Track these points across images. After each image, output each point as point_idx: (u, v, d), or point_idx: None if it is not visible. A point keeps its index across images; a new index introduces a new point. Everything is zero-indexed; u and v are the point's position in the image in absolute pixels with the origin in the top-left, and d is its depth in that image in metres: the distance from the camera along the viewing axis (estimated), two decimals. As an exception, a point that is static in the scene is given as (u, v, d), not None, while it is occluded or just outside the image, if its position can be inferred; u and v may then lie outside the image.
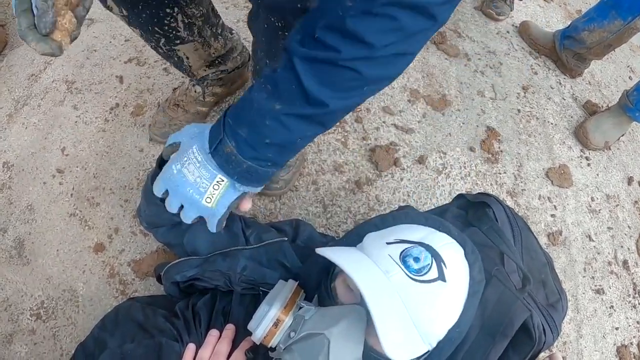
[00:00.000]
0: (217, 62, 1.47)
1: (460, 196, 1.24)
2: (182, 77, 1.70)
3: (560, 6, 2.44)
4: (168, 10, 1.15)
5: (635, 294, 1.69)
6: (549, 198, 1.75)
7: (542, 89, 2.02)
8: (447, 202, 1.29)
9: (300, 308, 0.87)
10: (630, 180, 1.90)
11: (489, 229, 1.08)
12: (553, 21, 2.34)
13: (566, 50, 2.01)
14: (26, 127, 1.69)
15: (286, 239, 1.15)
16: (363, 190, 1.61)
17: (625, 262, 1.72)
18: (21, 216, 1.54)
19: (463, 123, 1.83)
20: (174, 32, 1.23)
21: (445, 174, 1.70)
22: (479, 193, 1.24)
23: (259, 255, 1.10)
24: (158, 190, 0.88)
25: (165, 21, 1.18)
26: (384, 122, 1.76)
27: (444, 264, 0.82)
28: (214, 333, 1.00)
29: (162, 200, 0.90)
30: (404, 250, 0.82)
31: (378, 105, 1.79)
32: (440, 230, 0.92)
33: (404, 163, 1.69)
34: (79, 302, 1.43)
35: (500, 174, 1.75)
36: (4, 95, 1.78)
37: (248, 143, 0.76)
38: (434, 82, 1.91)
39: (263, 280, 1.05)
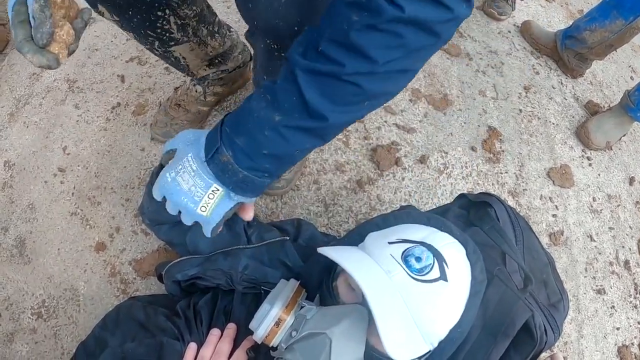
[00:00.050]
0: (217, 61, 1.46)
1: (461, 196, 1.24)
2: (184, 76, 1.70)
3: (561, 6, 2.44)
4: (159, 14, 1.14)
5: (636, 294, 1.69)
6: (550, 198, 1.75)
7: (543, 88, 2.02)
8: (449, 201, 1.29)
9: (302, 307, 0.87)
10: (631, 181, 1.90)
11: (491, 229, 1.08)
12: (554, 21, 2.34)
13: (567, 50, 2.00)
14: (27, 126, 1.69)
15: (288, 238, 1.15)
16: (364, 189, 1.61)
17: (626, 263, 1.72)
18: (22, 215, 1.54)
19: (464, 123, 1.83)
20: (167, 34, 1.21)
21: (446, 173, 1.70)
22: (480, 193, 1.24)
23: (261, 254, 1.10)
24: (157, 196, 0.87)
25: (158, 24, 1.16)
26: (385, 121, 1.76)
27: (446, 263, 0.82)
28: (215, 332, 1.00)
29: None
30: (405, 250, 0.82)
31: (379, 104, 1.79)
32: (442, 230, 0.92)
33: (406, 163, 1.69)
34: (80, 301, 1.43)
35: (501, 173, 1.75)
36: (6, 94, 1.78)
37: (245, 153, 0.75)
38: (435, 81, 1.91)
39: (265, 279, 1.05)
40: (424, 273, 0.80)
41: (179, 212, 0.87)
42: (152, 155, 1.62)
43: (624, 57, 2.32)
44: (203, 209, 0.80)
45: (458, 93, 1.90)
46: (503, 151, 1.79)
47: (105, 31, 1.92)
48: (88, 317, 1.40)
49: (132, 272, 1.45)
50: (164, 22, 1.17)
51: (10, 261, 1.48)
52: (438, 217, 0.96)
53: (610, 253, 1.72)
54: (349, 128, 1.71)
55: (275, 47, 1.02)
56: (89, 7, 0.73)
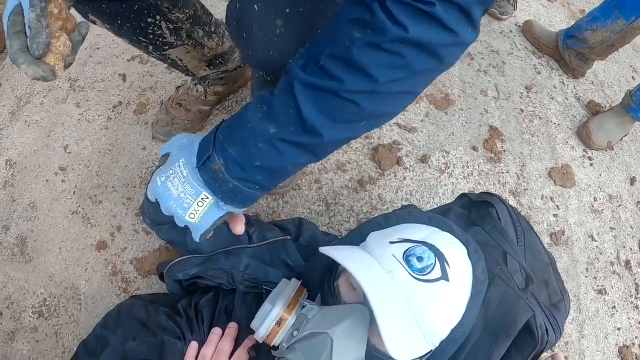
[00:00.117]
0: (218, 62, 1.46)
1: (463, 196, 1.24)
2: (185, 76, 1.70)
3: (563, 6, 2.44)
4: (150, 20, 1.13)
5: (637, 294, 1.69)
6: (551, 198, 1.75)
7: (545, 88, 2.02)
8: (450, 201, 1.29)
9: (304, 307, 0.88)
10: (633, 181, 1.89)
11: (492, 229, 1.08)
12: (556, 21, 2.34)
13: (569, 50, 2.00)
14: (29, 125, 1.70)
15: (289, 237, 1.15)
16: (366, 189, 1.61)
17: (627, 263, 1.72)
18: (24, 214, 1.54)
19: (466, 122, 1.83)
20: (160, 39, 1.20)
21: (448, 173, 1.70)
22: (482, 193, 1.23)
23: (262, 253, 1.10)
24: (151, 197, 0.86)
25: (149, 30, 1.16)
26: (386, 121, 1.75)
27: (448, 263, 0.82)
28: (216, 331, 1.00)
29: None
30: (407, 250, 0.82)
31: (381, 104, 1.79)
32: (443, 230, 0.92)
33: (407, 162, 1.68)
34: (82, 300, 1.43)
35: (503, 173, 1.75)
36: (7, 93, 1.78)
37: (237, 163, 0.73)
38: (437, 81, 1.90)
39: (266, 279, 1.05)
40: (426, 273, 0.80)
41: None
42: (154, 154, 1.62)
43: (625, 58, 2.32)
44: (192, 216, 0.77)
45: (460, 93, 1.90)
46: (504, 151, 1.79)
47: (106, 30, 1.92)
48: (89, 316, 1.40)
49: (134, 271, 1.45)
50: (156, 28, 1.16)
51: (11, 260, 1.48)
52: (439, 217, 0.96)
53: (611, 253, 1.72)
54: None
55: (270, 79, 1.01)
56: (86, 21, 0.71)
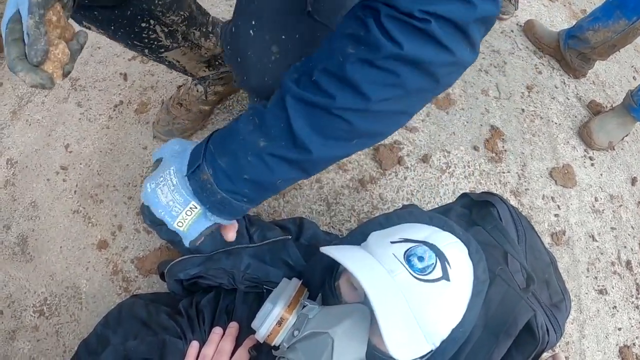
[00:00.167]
0: (217, 63, 1.46)
1: (464, 195, 1.24)
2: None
3: (564, 5, 2.43)
4: (143, 25, 1.12)
5: (638, 294, 1.69)
6: (552, 198, 1.75)
7: (546, 88, 2.02)
8: (451, 201, 1.29)
9: (304, 307, 0.88)
10: (634, 181, 1.89)
11: (493, 228, 1.08)
12: (557, 20, 2.34)
13: (570, 50, 2.00)
14: (30, 124, 1.70)
15: (290, 237, 1.15)
16: (367, 188, 1.61)
17: (628, 263, 1.72)
18: (25, 213, 1.55)
19: (467, 122, 1.82)
20: (155, 43, 1.20)
21: (449, 173, 1.70)
22: (483, 192, 1.23)
23: (263, 253, 1.10)
24: (144, 201, 0.85)
25: (144, 34, 1.15)
26: (387, 120, 1.75)
27: (448, 263, 0.82)
28: (217, 331, 1.00)
29: None
30: (408, 250, 0.82)
31: (382, 103, 1.79)
32: (444, 230, 0.92)
33: (408, 162, 1.68)
34: (82, 299, 1.43)
35: (504, 173, 1.75)
36: (8, 92, 1.78)
37: (226, 174, 0.72)
38: (437, 81, 1.90)
39: (267, 278, 1.05)
40: (427, 273, 0.80)
41: None
42: (155, 153, 1.62)
43: (626, 57, 2.32)
44: (180, 224, 0.76)
45: (460, 92, 1.90)
46: (505, 151, 1.79)
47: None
48: (90, 315, 1.40)
49: (134, 270, 1.45)
50: (150, 32, 1.15)
51: (12, 259, 1.48)
52: (440, 217, 0.96)
53: (612, 253, 1.72)
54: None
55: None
56: (84, 30, 0.71)
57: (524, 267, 1.01)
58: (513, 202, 1.69)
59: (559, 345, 1.52)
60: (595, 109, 2.00)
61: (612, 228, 1.77)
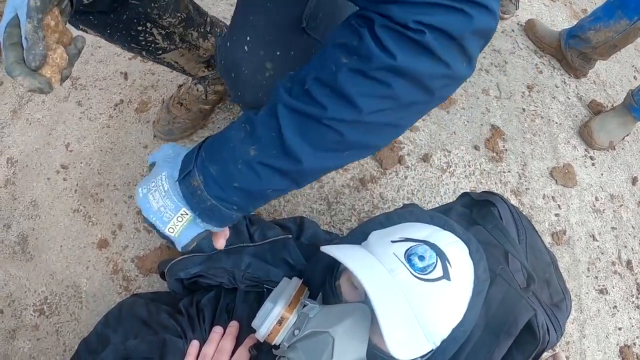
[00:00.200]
0: (215, 63, 1.46)
1: (464, 194, 1.24)
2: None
3: (565, 5, 2.43)
4: (140, 28, 1.12)
5: (638, 294, 1.68)
6: (553, 197, 1.75)
7: (546, 88, 2.02)
8: (452, 200, 1.29)
9: (305, 306, 0.88)
10: (634, 181, 1.89)
11: (494, 228, 1.08)
12: (558, 20, 2.33)
13: (571, 50, 2.00)
14: (30, 123, 1.70)
15: (290, 236, 1.15)
16: (367, 188, 1.61)
17: (629, 262, 1.72)
18: (25, 212, 1.55)
19: (467, 121, 1.82)
20: (152, 45, 1.19)
21: (449, 172, 1.70)
22: (483, 191, 1.23)
23: (263, 252, 1.10)
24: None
25: (140, 37, 1.14)
26: (388, 120, 1.75)
27: (449, 262, 0.82)
28: (217, 330, 1.00)
29: None
30: (408, 249, 0.82)
31: (382, 103, 1.79)
32: (445, 229, 0.91)
33: (409, 161, 1.68)
34: (83, 298, 1.43)
35: (504, 172, 1.74)
36: (9, 91, 1.78)
37: (216, 181, 0.71)
38: (438, 80, 1.90)
39: (267, 277, 1.05)
40: (427, 272, 0.80)
41: None
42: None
43: (627, 57, 2.32)
44: (171, 230, 0.76)
45: (461, 92, 1.90)
46: (506, 150, 1.79)
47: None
48: (90, 314, 1.40)
49: (135, 269, 1.45)
50: (147, 35, 1.15)
51: (12, 258, 1.48)
52: (441, 216, 0.96)
53: (612, 253, 1.72)
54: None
55: None
56: (82, 35, 0.70)
57: (524, 266, 1.00)
58: (513, 201, 1.69)
59: (560, 345, 1.52)
60: (595, 109, 2.00)
61: (612, 228, 1.77)
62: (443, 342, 0.82)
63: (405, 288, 0.78)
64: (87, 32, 1.09)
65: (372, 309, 0.73)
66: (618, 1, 1.76)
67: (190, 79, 1.56)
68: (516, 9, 2.20)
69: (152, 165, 0.83)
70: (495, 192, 1.22)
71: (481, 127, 1.83)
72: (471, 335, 0.89)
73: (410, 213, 0.98)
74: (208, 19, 1.33)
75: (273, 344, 0.87)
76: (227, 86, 0.99)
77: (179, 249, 0.79)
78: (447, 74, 0.61)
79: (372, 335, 0.81)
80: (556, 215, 1.72)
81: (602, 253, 1.71)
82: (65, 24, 0.67)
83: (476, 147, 1.77)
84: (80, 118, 1.69)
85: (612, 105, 2.02)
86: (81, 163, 1.61)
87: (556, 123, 1.93)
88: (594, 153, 1.89)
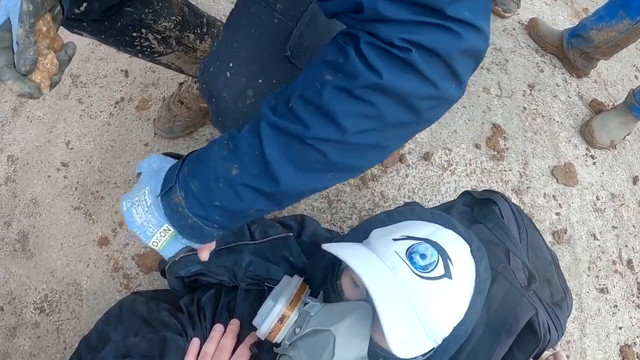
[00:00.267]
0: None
1: (466, 193, 1.24)
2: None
3: (566, 4, 2.43)
4: (135, 34, 1.11)
5: (639, 293, 1.68)
6: (554, 196, 1.75)
7: (548, 86, 2.01)
8: (453, 199, 1.28)
9: (306, 304, 0.87)
10: (635, 180, 1.89)
11: (495, 226, 1.07)
12: (559, 19, 2.33)
13: (574, 49, 2.00)
14: (31, 121, 1.69)
15: (291, 234, 1.14)
16: (368, 186, 1.61)
17: (629, 262, 1.72)
18: (25, 209, 1.54)
19: (468, 120, 1.82)
20: (148, 49, 1.18)
21: (450, 170, 1.70)
22: (484, 190, 1.23)
23: (264, 250, 1.10)
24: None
25: (136, 42, 1.14)
26: (389, 118, 1.75)
27: (450, 261, 0.82)
28: (218, 328, 1.00)
29: None
30: (410, 247, 0.82)
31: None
32: (446, 227, 0.91)
33: (409, 159, 1.68)
34: (83, 296, 1.43)
35: (505, 171, 1.74)
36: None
37: (198, 199, 0.69)
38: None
39: (268, 275, 1.05)
40: (429, 270, 0.80)
41: None
42: (156, 150, 1.62)
43: (628, 56, 2.31)
44: (155, 244, 0.75)
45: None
46: (507, 149, 1.79)
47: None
48: (91, 312, 1.40)
49: (135, 267, 1.45)
50: (142, 40, 1.14)
51: (13, 255, 1.48)
52: (442, 214, 0.96)
53: (613, 252, 1.72)
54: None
55: None
56: (73, 42, 0.70)
57: (525, 265, 1.00)
58: (514, 200, 1.69)
59: (560, 344, 1.52)
60: (597, 108, 2.00)
61: (613, 227, 1.77)
62: (444, 340, 0.82)
63: (407, 286, 0.78)
64: (82, 35, 1.08)
65: (374, 307, 0.73)
66: (620, 1, 1.76)
67: (190, 77, 1.56)
68: (518, 8, 2.20)
69: (140, 174, 0.82)
70: (497, 190, 1.22)
71: (482, 125, 1.83)
72: (472, 334, 0.89)
73: (411, 211, 0.98)
74: (205, 20, 1.31)
75: (274, 342, 0.86)
76: (209, 110, 0.98)
77: (166, 259, 0.79)
78: (434, 95, 0.60)
79: (373, 333, 0.81)
80: (557, 214, 1.71)
81: (603, 252, 1.71)
82: (57, 30, 0.67)
83: (477, 146, 1.77)
84: (80, 116, 1.69)
85: (613, 104, 2.02)
86: (82, 161, 1.61)
87: (557, 122, 1.93)
88: (595, 152, 1.89)
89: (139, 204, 0.75)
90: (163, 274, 1.18)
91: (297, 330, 0.83)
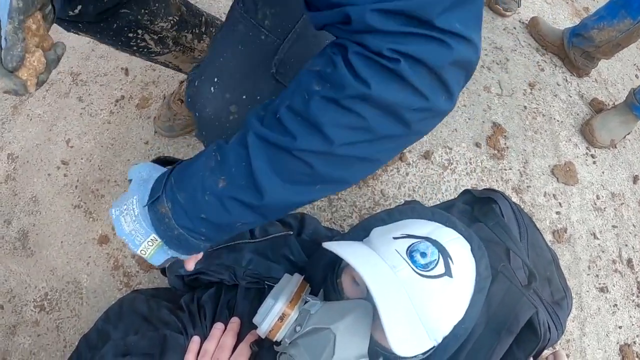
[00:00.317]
0: None
1: (466, 191, 1.24)
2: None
3: (567, 3, 2.43)
4: (131, 35, 1.10)
5: (639, 292, 1.68)
6: (554, 195, 1.75)
7: (548, 85, 2.01)
8: (453, 197, 1.28)
9: (306, 302, 0.87)
10: (635, 179, 1.89)
11: (495, 225, 1.07)
12: (560, 18, 2.33)
13: (574, 48, 1.99)
14: (31, 119, 1.69)
15: (291, 232, 1.14)
16: (368, 184, 1.61)
17: (629, 261, 1.72)
18: (25, 208, 1.54)
19: (469, 119, 1.82)
20: (145, 50, 1.18)
21: (450, 169, 1.70)
22: (485, 189, 1.23)
23: (264, 248, 1.09)
24: None
25: (132, 43, 1.13)
26: (389, 117, 1.75)
27: (451, 259, 0.82)
28: (219, 326, 1.00)
29: None
30: (410, 245, 0.82)
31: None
32: (447, 226, 0.91)
33: (410, 158, 1.68)
34: (83, 294, 1.43)
35: (505, 170, 1.74)
36: (9, 86, 1.77)
37: (184, 210, 0.69)
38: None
39: (268, 274, 1.05)
40: (429, 269, 0.80)
41: None
42: (156, 148, 1.62)
43: (629, 56, 2.31)
44: (143, 252, 0.74)
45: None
46: (507, 148, 1.79)
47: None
48: (91, 310, 1.40)
49: (135, 265, 1.45)
50: (139, 41, 1.14)
51: (13, 254, 1.48)
52: (443, 213, 0.96)
53: (613, 251, 1.72)
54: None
55: None
56: (62, 42, 0.69)
57: (525, 264, 1.00)
58: (515, 199, 1.69)
59: (560, 343, 1.52)
60: (597, 107, 2.00)
61: (613, 226, 1.77)
62: (444, 339, 0.82)
63: (407, 285, 0.78)
64: (78, 34, 1.08)
65: (374, 305, 0.73)
66: (622, 0, 1.76)
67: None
68: (518, 6, 2.20)
69: (131, 181, 0.81)
70: (497, 189, 1.22)
71: (482, 124, 1.82)
72: (472, 333, 0.89)
73: (412, 210, 0.97)
74: (203, 19, 1.30)
75: (274, 340, 0.86)
76: (194, 122, 0.98)
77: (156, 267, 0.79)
78: (424, 107, 0.59)
79: (373, 332, 0.80)
80: (557, 213, 1.71)
81: (603, 251, 1.71)
82: (48, 30, 0.66)
83: (477, 145, 1.77)
84: (81, 114, 1.69)
85: (614, 103, 2.02)
86: (82, 159, 1.61)
87: (557, 121, 1.93)
88: (595, 151, 1.89)
89: (127, 212, 0.75)
90: (163, 272, 1.18)
91: (298, 328, 0.83)
